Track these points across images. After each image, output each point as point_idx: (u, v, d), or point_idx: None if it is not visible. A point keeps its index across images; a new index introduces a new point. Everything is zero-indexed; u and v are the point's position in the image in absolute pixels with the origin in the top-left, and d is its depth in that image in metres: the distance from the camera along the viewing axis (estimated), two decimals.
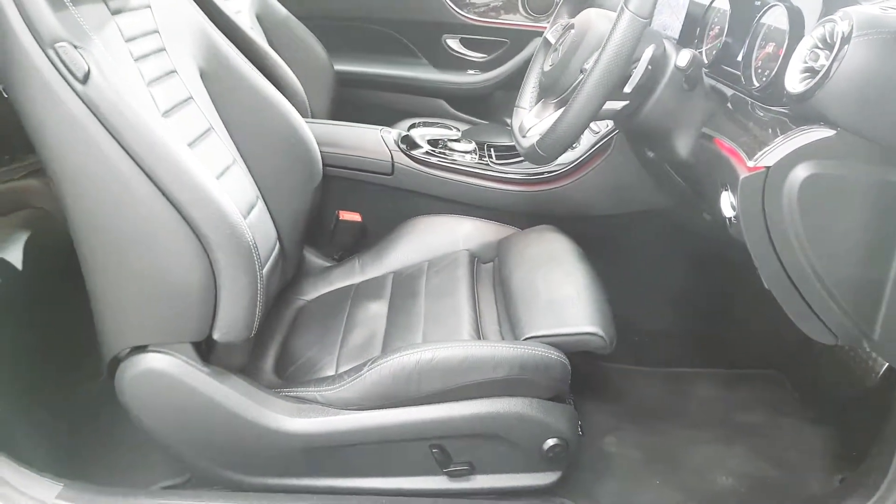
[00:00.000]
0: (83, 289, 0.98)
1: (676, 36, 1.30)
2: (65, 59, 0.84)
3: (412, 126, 1.58)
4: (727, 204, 0.90)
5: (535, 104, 1.22)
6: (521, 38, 2.18)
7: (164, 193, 0.90)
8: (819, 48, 0.81)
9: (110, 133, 0.87)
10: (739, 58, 1.02)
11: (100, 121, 0.86)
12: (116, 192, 0.90)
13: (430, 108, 2.22)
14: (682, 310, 1.50)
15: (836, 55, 0.76)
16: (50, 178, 0.90)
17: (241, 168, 1.24)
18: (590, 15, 1.09)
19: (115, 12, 1.02)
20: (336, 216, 1.49)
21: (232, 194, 1.15)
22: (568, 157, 1.45)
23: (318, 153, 1.37)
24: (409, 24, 2.22)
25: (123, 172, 0.88)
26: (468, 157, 1.53)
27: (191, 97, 1.16)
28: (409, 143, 1.52)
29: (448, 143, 1.55)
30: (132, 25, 1.05)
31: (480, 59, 2.24)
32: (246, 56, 1.52)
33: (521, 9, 2.15)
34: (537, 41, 2.14)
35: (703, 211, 1.20)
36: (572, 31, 1.10)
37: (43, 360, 1.25)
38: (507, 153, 1.61)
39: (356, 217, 1.49)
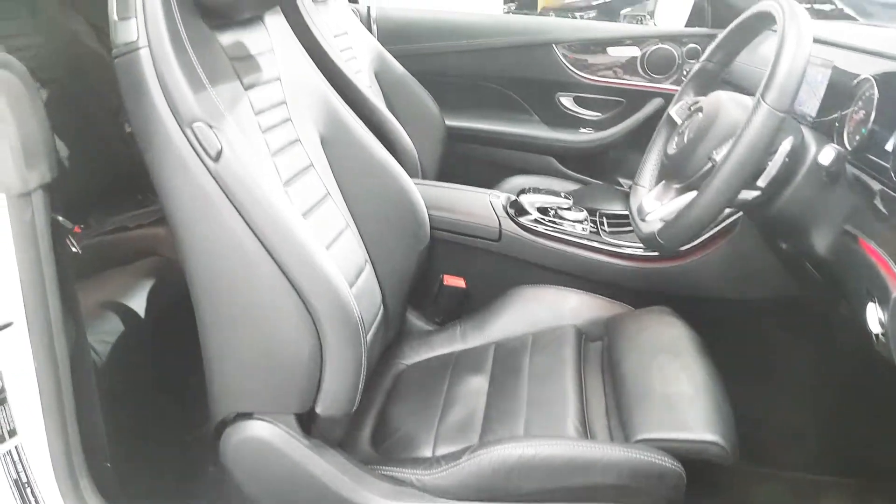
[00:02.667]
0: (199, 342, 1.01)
1: (813, 113, 1.21)
2: (200, 138, 0.88)
3: (522, 192, 1.55)
4: (874, 318, 0.81)
5: (656, 185, 1.17)
6: (637, 98, 2.12)
7: (280, 267, 0.92)
8: None
9: (235, 208, 0.90)
10: (889, 147, 0.93)
11: (227, 196, 0.90)
12: (236, 263, 0.93)
13: (541, 166, 2.20)
14: (815, 408, 1.36)
15: None
16: (177, 244, 0.94)
17: (352, 232, 1.26)
18: (720, 99, 1.03)
19: (248, 87, 1.07)
20: (440, 280, 1.48)
21: (343, 260, 1.19)
22: None
23: (427, 216, 1.37)
24: (522, 81, 2.21)
25: (244, 245, 0.91)
26: (579, 226, 1.48)
27: (311, 165, 1.20)
28: (517, 210, 1.50)
29: (558, 211, 1.52)
30: (262, 99, 1.10)
31: (594, 118, 2.20)
32: (363, 117, 1.57)
33: (639, 69, 2.10)
34: (655, 101, 2.11)
35: (840, 306, 1.09)
36: (700, 114, 1.05)
37: (154, 405, 1.30)
38: (619, 221, 1.56)
39: (460, 283, 1.48)
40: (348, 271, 1.19)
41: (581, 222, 1.50)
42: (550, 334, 1.30)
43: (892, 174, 0.90)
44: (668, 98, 2.07)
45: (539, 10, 11.93)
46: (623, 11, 9.84)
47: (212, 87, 0.93)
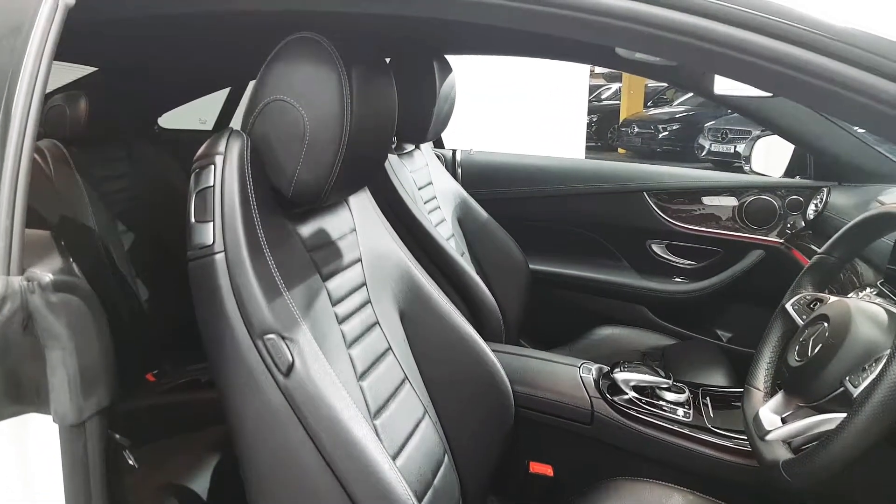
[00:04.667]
0: None
1: None
2: (271, 352, 0.82)
3: (616, 366, 1.41)
4: None
5: (773, 392, 1.02)
6: (736, 249, 1.98)
7: (349, 496, 0.82)
8: None
9: (303, 426, 0.82)
10: None
11: (295, 413, 0.82)
12: (299, 487, 0.84)
13: (631, 315, 2.06)
14: None
15: None
16: (239, 457, 0.86)
17: (431, 419, 1.16)
18: (849, 311, 0.89)
19: (327, 278, 1.02)
20: (526, 466, 1.33)
21: (421, 456, 1.08)
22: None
23: (511, 396, 1.25)
24: (611, 227, 2.13)
25: (310, 468, 0.83)
26: (680, 411, 1.32)
27: (389, 348, 1.12)
28: (611, 387, 1.36)
29: (656, 390, 1.37)
30: (341, 286, 1.04)
31: (689, 266, 2.07)
32: (446, 278, 1.49)
33: (737, 219, 1.97)
34: (755, 253, 1.96)
35: None
36: (826, 324, 0.91)
37: None
38: (725, 396, 1.39)
39: (547, 470, 1.33)
40: (425, 470, 1.08)
41: (682, 405, 1.34)
42: None
43: None
44: (768, 250, 1.93)
45: (621, 120, 12.02)
46: (707, 124, 9.77)
47: (287, 293, 0.87)
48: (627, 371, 1.39)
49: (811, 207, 1.82)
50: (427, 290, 1.22)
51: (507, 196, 2.15)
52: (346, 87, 0.88)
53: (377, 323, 1.12)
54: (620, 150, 11.59)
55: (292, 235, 0.97)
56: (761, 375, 1.06)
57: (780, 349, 1.07)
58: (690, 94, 11.80)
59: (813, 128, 1.72)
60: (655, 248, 2.09)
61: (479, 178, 2.17)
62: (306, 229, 1.01)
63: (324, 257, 1.03)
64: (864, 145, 1.70)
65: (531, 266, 2.01)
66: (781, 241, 1.91)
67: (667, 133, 10.68)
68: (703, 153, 9.90)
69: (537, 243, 2.09)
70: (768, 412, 0.97)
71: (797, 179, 1.91)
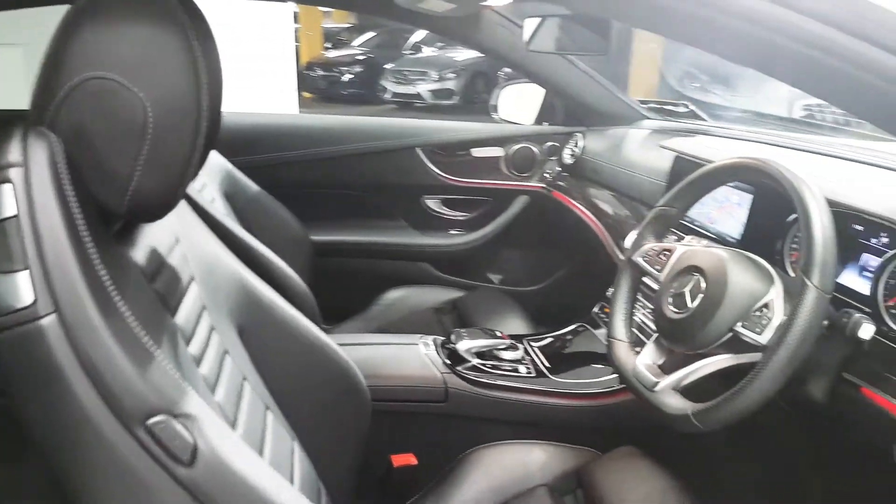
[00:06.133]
0: None
1: (736, 236, 1.22)
2: (163, 440, 0.59)
3: (452, 333, 1.38)
4: None
5: (645, 342, 1.07)
6: (504, 197, 2.08)
7: None
8: None
9: None
10: (867, 291, 0.93)
11: None
12: None
13: (417, 273, 2.05)
14: None
15: None
16: None
17: (297, 445, 1.00)
18: (722, 263, 0.95)
19: (175, 311, 0.78)
20: (388, 463, 1.24)
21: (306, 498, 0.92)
22: None
23: (367, 394, 1.14)
24: (385, 187, 2.06)
25: None
26: (522, 368, 1.35)
27: (244, 377, 0.92)
28: (454, 358, 1.33)
29: (494, 352, 1.37)
30: (188, 318, 0.82)
31: (462, 218, 2.11)
32: (252, 267, 1.30)
33: (503, 168, 2.05)
34: (521, 199, 2.08)
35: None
36: (699, 276, 0.97)
37: None
38: (548, 342, 1.47)
39: (410, 459, 1.25)
40: None
41: (520, 361, 1.37)
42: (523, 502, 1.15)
43: (872, 317, 0.88)
44: (531, 195, 2.07)
45: (305, 64, 11.67)
46: (388, 66, 10.20)
47: (158, 349, 0.63)
48: (466, 339, 1.37)
49: (566, 152, 1.97)
50: (265, 298, 1.04)
51: (271, 162, 1.93)
52: (198, 51, 0.65)
53: (227, 351, 0.90)
54: (306, 95, 11.38)
55: (129, 265, 0.71)
56: (621, 327, 1.11)
57: (632, 300, 1.13)
58: (368, 37, 11.99)
59: (566, 76, 1.83)
60: (430, 203, 2.09)
61: (236, 144, 1.89)
62: (138, 252, 0.75)
63: (164, 286, 0.78)
64: (608, 92, 1.87)
65: (311, 237, 1.86)
66: (543, 185, 2.05)
67: (352, 76, 10.77)
68: (387, 95, 10.25)
69: (312, 212, 1.92)
70: (647, 361, 1.03)
71: (548, 126, 2.05)
